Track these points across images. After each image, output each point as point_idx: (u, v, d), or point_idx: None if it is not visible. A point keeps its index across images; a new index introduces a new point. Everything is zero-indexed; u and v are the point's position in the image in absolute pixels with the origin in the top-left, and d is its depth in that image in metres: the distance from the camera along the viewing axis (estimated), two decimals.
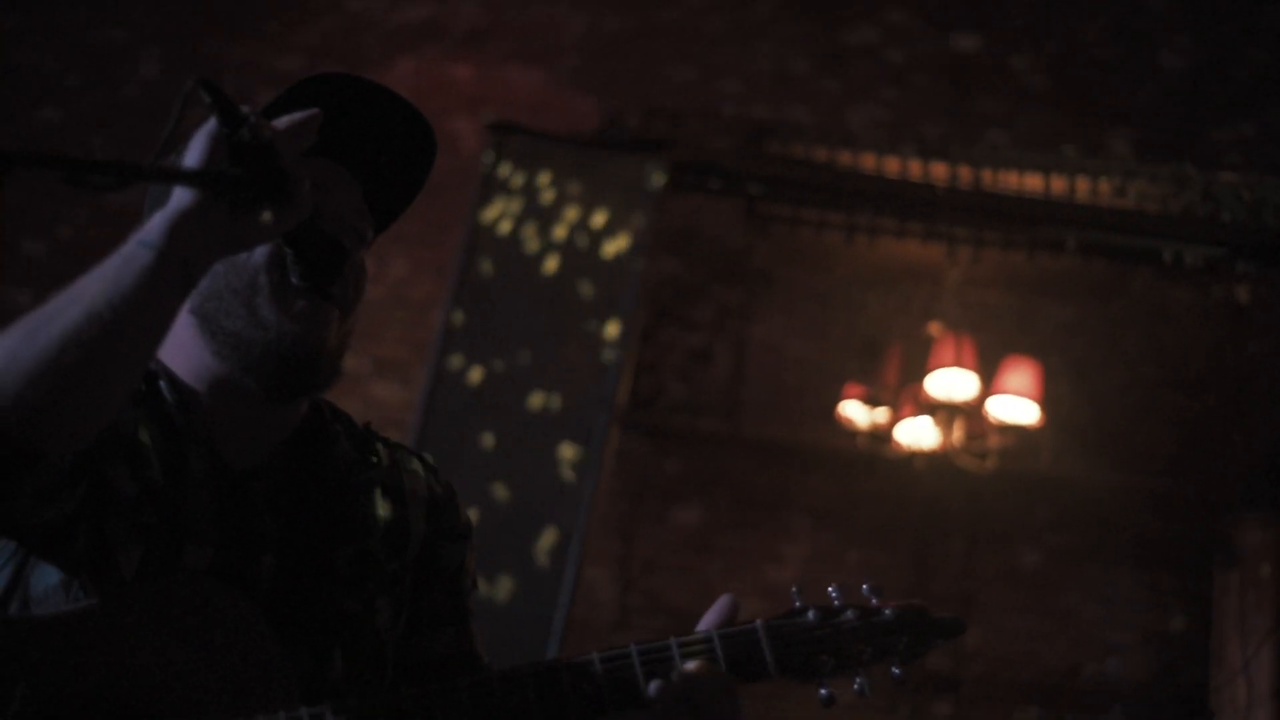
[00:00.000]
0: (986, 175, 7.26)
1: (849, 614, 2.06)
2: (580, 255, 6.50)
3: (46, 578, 1.95)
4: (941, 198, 7.22)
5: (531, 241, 6.53)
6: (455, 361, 6.33)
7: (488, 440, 6.16)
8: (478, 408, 6.23)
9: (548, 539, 5.97)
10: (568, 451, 6.14)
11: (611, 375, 6.28)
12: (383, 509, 2.20)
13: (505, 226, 6.56)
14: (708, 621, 2.05)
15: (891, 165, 7.27)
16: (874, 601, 2.07)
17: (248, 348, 2.05)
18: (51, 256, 7.63)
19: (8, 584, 1.97)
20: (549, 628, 5.76)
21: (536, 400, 6.24)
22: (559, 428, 6.19)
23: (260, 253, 2.04)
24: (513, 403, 6.24)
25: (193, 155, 1.77)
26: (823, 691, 2.03)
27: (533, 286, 6.46)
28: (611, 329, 6.37)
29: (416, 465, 2.30)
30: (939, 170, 7.28)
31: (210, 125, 1.77)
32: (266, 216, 1.80)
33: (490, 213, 6.59)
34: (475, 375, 6.30)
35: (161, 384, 2.08)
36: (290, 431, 2.17)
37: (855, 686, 2.04)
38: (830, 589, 2.09)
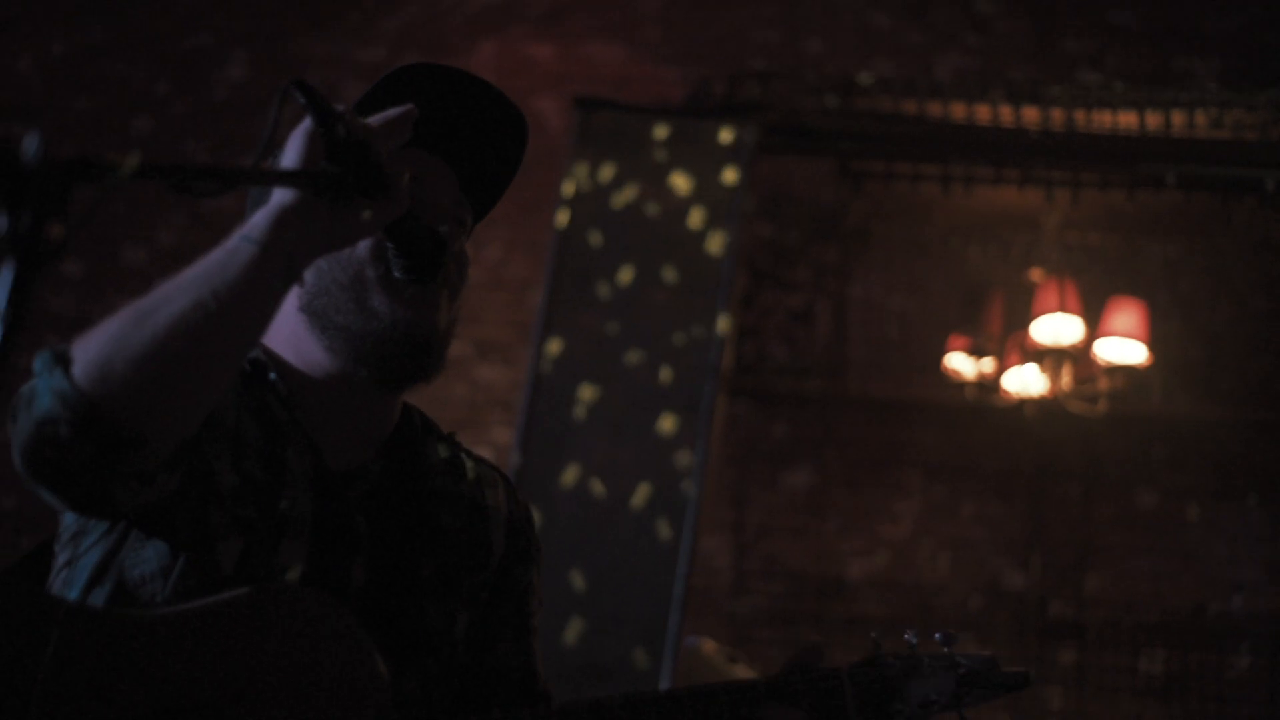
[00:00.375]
0: (1079, 116, 7.16)
1: (926, 663, 2.13)
2: (675, 224, 6.50)
3: (143, 563, 1.98)
4: (1035, 142, 7.14)
5: (624, 215, 6.54)
6: (556, 339, 6.35)
7: (595, 415, 6.18)
8: (583, 384, 6.25)
9: (660, 510, 5.99)
10: (675, 421, 6.14)
11: (715, 342, 6.27)
12: (466, 523, 2.24)
13: (597, 202, 6.57)
14: (793, 663, 2.12)
15: (982, 113, 7.19)
16: (948, 651, 2.14)
17: (360, 339, 2.08)
18: (152, 262, 7.73)
19: (98, 565, 2.00)
20: (669, 598, 5.77)
21: (641, 373, 6.25)
22: (665, 398, 6.20)
23: (363, 247, 2.07)
24: (617, 377, 6.25)
25: (291, 155, 1.80)
26: None
27: (628, 259, 6.46)
28: (711, 296, 6.36)
29: (499, 482, 2.34)
30: (1031, 114, 7.19)
31: (306, 125, 1.80)
32: (366, 213, 1.82)
33: (581, 189, 6.59)
34: (577, 352, 6.32)
35: (271, 375, 2.11)
36: (387, 435, 2.20)
37: None
38: (907, 635, 2.15)
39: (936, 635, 2.14)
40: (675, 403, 6.17)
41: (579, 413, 6.16)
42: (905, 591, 7.69)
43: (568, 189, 6.59)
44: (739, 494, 7.88)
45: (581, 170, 6.61)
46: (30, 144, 1.33)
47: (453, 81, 2.17)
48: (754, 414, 7.98)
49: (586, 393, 6.23)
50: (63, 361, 1.77)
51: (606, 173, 6.61)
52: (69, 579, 2.01)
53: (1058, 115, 7.20)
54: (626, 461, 6.06)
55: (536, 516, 2.42)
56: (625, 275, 6.43)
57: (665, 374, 6.24)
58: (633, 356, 6.28)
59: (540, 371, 6.29)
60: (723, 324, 6.29)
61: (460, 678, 2.21)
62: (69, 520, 2.05)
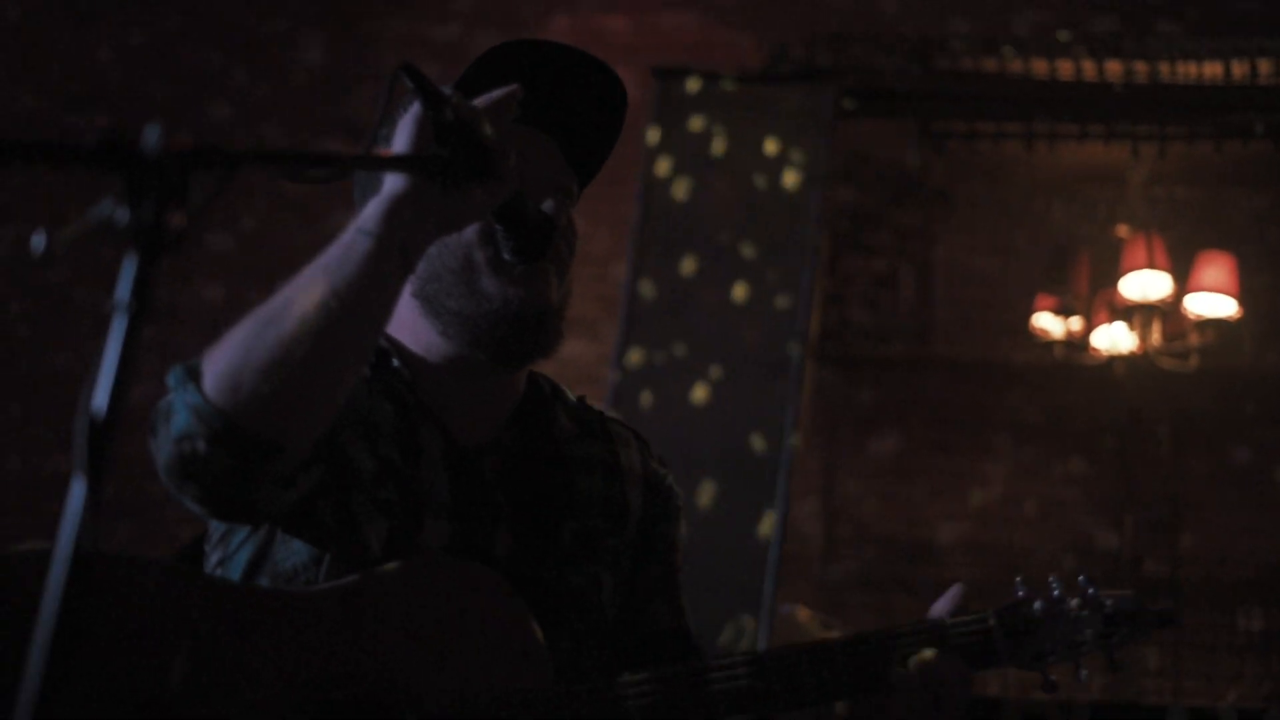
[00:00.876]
0: (1163, 68, 7.06)
1: (1072, 604, 2.12)
2: (756, 192, 6.49)
3: (294, 554, 2.02)
4: (1119, 96, 7.06)
5: (705, 183, 6.53)
6: (644, 312, 6.36)
7: (682, 388, 6.19)
8: (671, 359, 6.25)
9: (751, 477, 5.99)
10: (764, 389, 6.14)
11: (801, 308, 6.26)
12: (602, 485, 2.25)
13: (678, 171, 6.56)
14: (939, 609, 2.12)
15: (1064, 68, 7.12)
16: (1092, 592, 2.13)
17: (474, 322, 2.10)
18: (239, 249, 7.80)
19: (251, 561, 2.04)
20: (763, 567, 5.78)
21: (728, 343, 6.25)
22: (753, 367, 6.20)
23: (470, 231, 2.09)
24: (703, 348, 6.26)
25: (400, 140, 1.82)
26: (1051, 678, 2.11)
27: (711, 229, 6.46)
28: (795, 263, 6.35)
29: (631, 440, 2.35)
30: (1113, 68, 7.11)
31: (415, 109, 1.81)
32: (476, 194, 1.83)
33: (661, 159, 6.59)
34: (664, 326, 6.32)
35: (394, 361, 2.14)
36: (513, 406, 2.22)
37: (1081, 676, 2.13)
38: (1050, 579, 2.15)
39: (1080, 578, 2.14)
40: (763, 370, 6.17)
41: (666, 385, 6.17)
42: (996, 554, 7.65)
43: (647, 160, 6.59)
44: (827, 460, 7.87)
45: (661, 141, 6.61)
46: (151, 135, 1.33)
47: (544, 53, 2.20)
48: (840, 380, 7.96)
49: (673, 365, 6.24)
50: (194, 376, 1.81)
51: (686, 142, 6.60)
52: (224, 576, 2.05)
53: (1141, 68, 7.11)
54: (715, 431, 6.06)
55: None
56: (707, 245, 6.42)
57: (752, 342, 6.24)
58: (718, 326, 6.29)
59: (627, 346, 6.30)
60: (806, 290, 6.27)
61: (614, 642, 2.23)
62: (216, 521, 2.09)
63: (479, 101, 1.85)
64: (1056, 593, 2.12)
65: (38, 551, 1.88)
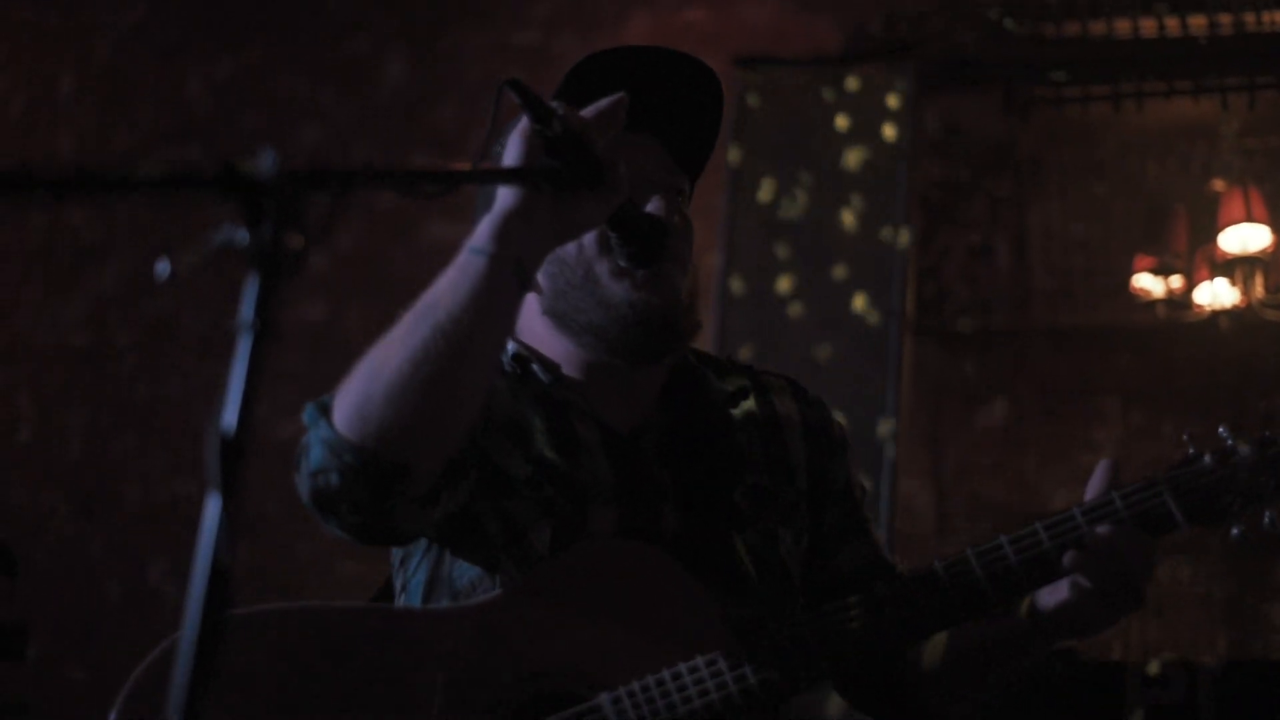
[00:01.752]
0: (1249, 18, 6.97)
1: (1244, 450, 2.08)
2: (842, 173, 6.48)
3: (468, 571, 2.08)
4: (1205, 49, 6.97)
5: (790, 169, 6.54)
6: (736, 302, 6.38)
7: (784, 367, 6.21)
8: (767, 344, 6.27)
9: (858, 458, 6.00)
10: (863, 369, 6.14)
11: (897, 285, 6.26)
12: (762, 440, 2.26)
13: (762, 158, 6.58)
14: (1094, 489, 2.08)
15: (1147, 26, 7.04)
16: (1268, 434, 2.09)
17: (606, 331, 2.14)
18: (336, 267, 7.90)
19: (428, 582, 2.10)
20: None
21: (824, 327, 6.26)
22: (851, 348, 6.20)
23: (589, 244, 2.12)
24: (799, 334, 6.26)
25: (511, 155, 1.85)
26: (1235, 531, 2.07)
27: (798, 213, 6.47)
28: (886, 240, 6.34)
29: (785, 387, 2.38)
30: (1197, 22, 7.02)
31: (523, 124, 1.85)
32: (589, 203, 1.87)
33: (746, 147, 6.60)
34: (758, 312, 6.34)
35: (534, 367, 2.18)
36: (661, 385, 2.26)
37: (1266, 521, 2.07)
38: (1221, 429, 2.12)
39: (1252, 427, 2.09)
40: (861, 351, 6.17)
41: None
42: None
43: (734, 153, 6.60)
44: (933, 435, 7.84)
45: (745, 129, 6.62)
46: (266, 159, 1.39)
47: (636, 57, 2.22)
48: (941, 355, 7.92)
49: (769, 350, 6.25)
50: (325, 412, 1.88)
51: (769, 129, 6.61)
52: (407, 601, 2.11)
53: (1225, 19, 7.02)
54: None
55: None
56: (796, 230, 6.43)
57: (849, 324, 6.24)
58: (813, 310, 6.29)
59: (724, 332, 6.33)
60: (901, 266, 6.26)
61: (811, 594, 2.24)
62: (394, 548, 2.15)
63: (586, 112, 1.88)
64: (1230, 442, 2.08)
65: (273, 610, 1.99)
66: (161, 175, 1.43)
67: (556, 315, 2.16)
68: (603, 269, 2.12)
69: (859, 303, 6.27)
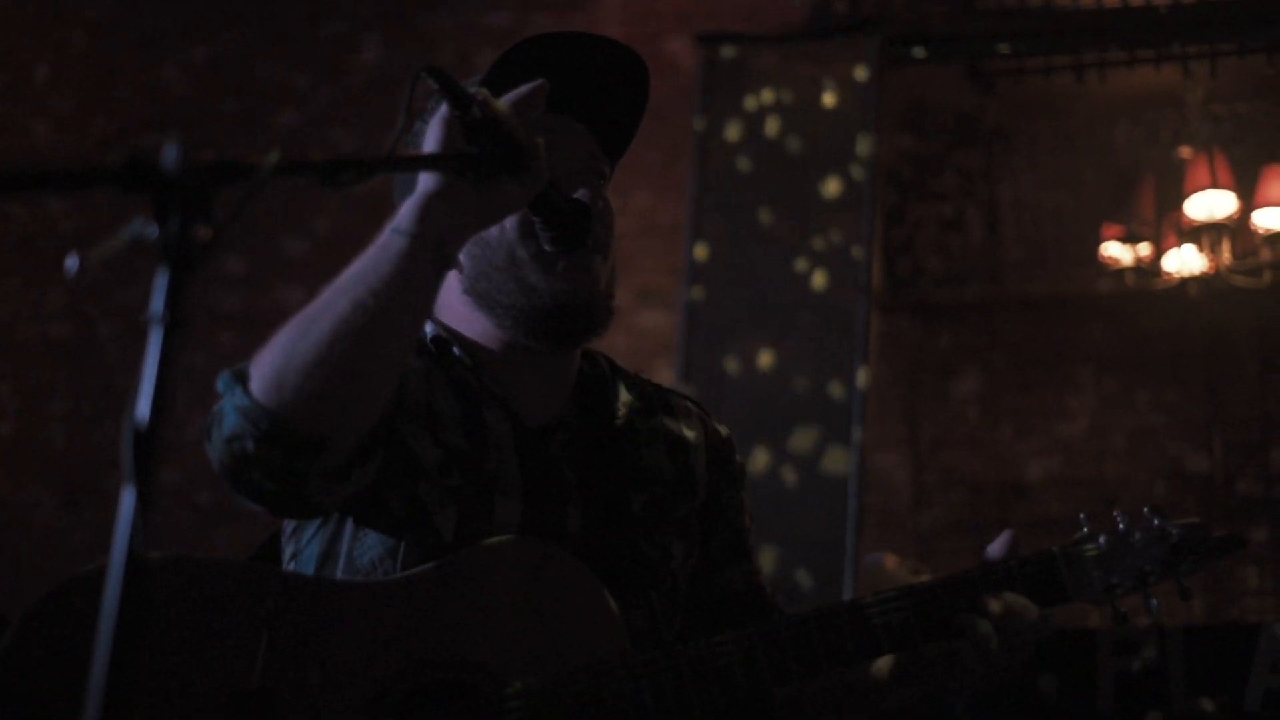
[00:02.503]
0: None
1: (1137, 537, 2.14)
2: (811, 147, 6.50)
3: (371, 549, 2.09)
4: (1165, 17, 6.99)
5: (759, 144, 6.56)
6: (705, 282, 6.41)
7: (750, 352, 6.23)
8: (736, 320, 6.30)
9: (826, 434, 6.03)
10: (830, 346, 6.17)
11: (863, 261, 6.28)
12: (667, 456, 2.30)
13: (732, 135, 6.60)
14: (993, 554, 2.14)
15: None
16: (1157, 523, 2.15)
17: (526, 315, 2.16)
18: (314, 253, 7.93)
19: (321, 554, 2.12)
20: (843, 521, 5.82)
21: (792, 303, 6.28)
22: (818, 324, 6.22)
23: (511, 227, 2.14)
24: (768, 309, 6.29)
25: (431, 141, 1.87)
26: (1118, 611, 2.14)
27: (769, 188, 6.49)
28: (854, 215, 6.37)
29: (694, 410, 2.40)
30: None
31: (443, 110, 1.86)
32: (509, 188, 1.88)
33: (714, 124, 6.63)
34: (727, 292, 6.37)
35: (455, 350, 2.21)
36: (572, 384, 2.28)
37: (1151, 606, 2.14)
38: (1116, 514, 2.17)
39: (1145, 509, 2.15)
40: (829, 327, 6.19)
41: (734, 351, 6.22)
42: (1088, 487, 7.64)
43: (700, 125, 6.63)
44: (910, 408, 7.89)
45: (713, 106, 6.65)
46: (170, 153, 1.39)
47: (563, 43, 2.22)
48: (916, 327, 7.97)
49: (739, 327, 6.28)
50: (242, 379, 1.88)
51: (738, 105, 6.63)
52: (297, 570, 2.14)
53: None
54: (787, 391, 6.10)
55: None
56: (766, 206, 6.46)
57: (815, 300, 6.27)
58: (781, 285, 6.32)
59: (692, 314, 6.36)
60: (867, 242, 6.29)
61: (689, 610, 2.28)
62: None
63: (506, 98, 1.89)
64: (1122, 526, 2.14)
65: (160, 559, 1.97)
66: (67, 172, 1.44)
67: (477, 295, 2.18)
68: (524, 253, 2.13)
69: (823, 278, 6.29)
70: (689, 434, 2.35)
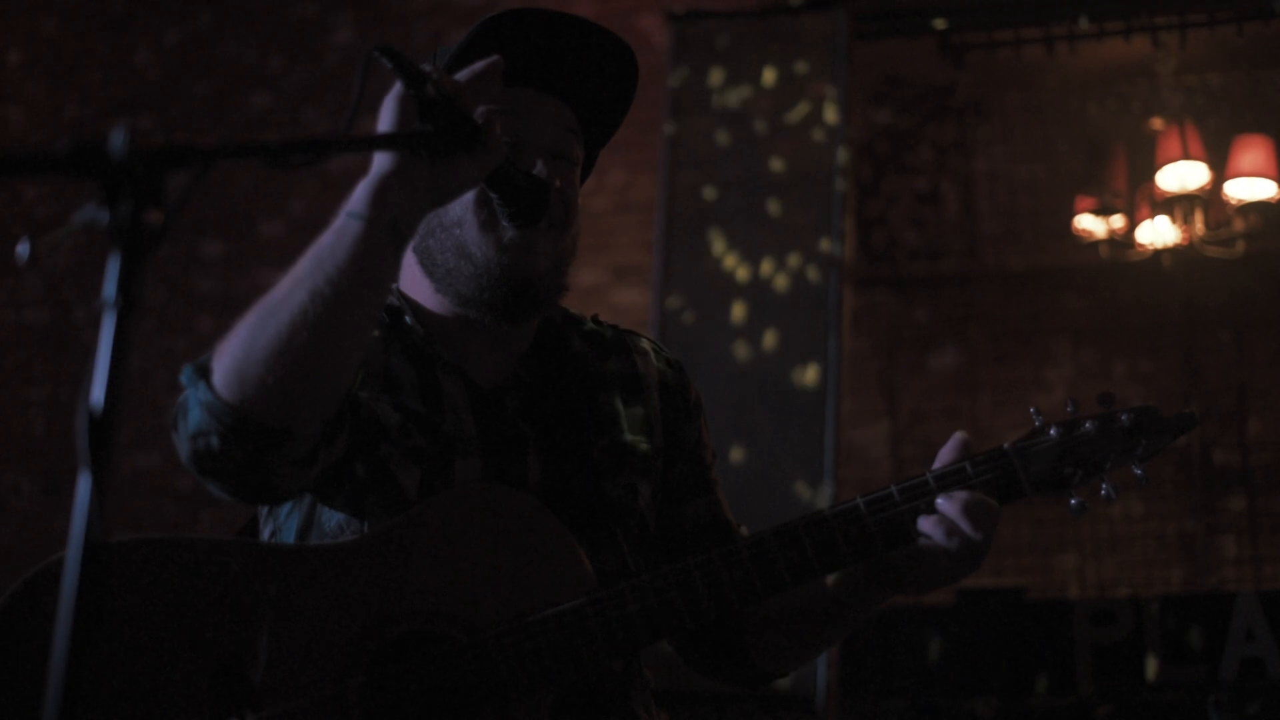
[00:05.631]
0: None
1: (1088, 425, 2.13)
2: (781, 124, 6.50)
3: (337, 513, 2.10)
4: None
5: (731, 121, 6.55)
6: (680, 254, 6.41)
7: (725, 323, 6.24)
8: (709, 297, 6.30)
9: (800, 412, 6.04)
10: (804, 322, 6.17)
11: (836, 236, 6.28)
12: (624, 397, 2.31)
13: (702, 113, 6.59)
14: (945, 458, 2.13)
15: None
16: (1108, 410, 2.14)
17: (461, 283, 2.16)
18: (290, 234, 7.90)
19: (301, 523, 2.13)
20: (821, 498, 5.84)
21: (766, 278, 6.28)
22: (792, 300, 6.22)
23: (466, 201, 2.14)
24: (741, 285, 6.29)
25: (385, 120, 1.85)
26: (1073, 501, 2.13)
27: (740, 164, 6.49)
28: (827, 191, 6.37)
29: (647, 347, 2.40)
30: None
31: (397, 89, 1.85)
32: (465, 165, 1.88)
33: (684, 102, 6.62)
34: (701, 266, 6.37)
35: (407, 318, 2.21)
36: (527, 344, 2.28)
37: (1102, 493, 2.13)
38: (1068, 405, 2.16)
39: (1098, 397, 2.16)
40: (802, 303, 6.19)
41: (708, 322, 6.22)
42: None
43: (671, 104, 6.62)
44: (888, 382, 7.90)
45: (684, 83, 6.64)
46: (117, 138, 1.39)
47: (549, 21, 2.20)
48: (893, 301, 7.98)
49: (711, 304, 6.28)
50: (204, 373, 1.89)
51: (707, 81, 6.62)
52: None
53: None
54: (759, 366, 6.11)
55: None
56: (738, 182, 6.45)
57: (788, 276, 6.26)
58: (755, 261, 6.32)
59: (666, 288, 6.36)
60: (839, 216, 6.28)
61: (657, 545, 2.30)
62: None
63: (460, 75, 1.89)
64: (1073, 416, 2.14)
65: (125, 543, 2.00)
66: (16, 158, 1.43)
67: (422, 252, 2.19)
68: (474, 220, 2.13)
69: (798, 254, 6.29)
70: (644, 371, 2.36)
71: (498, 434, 2.18)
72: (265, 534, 2.19)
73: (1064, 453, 2.12)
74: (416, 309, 2.23)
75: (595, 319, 2.40)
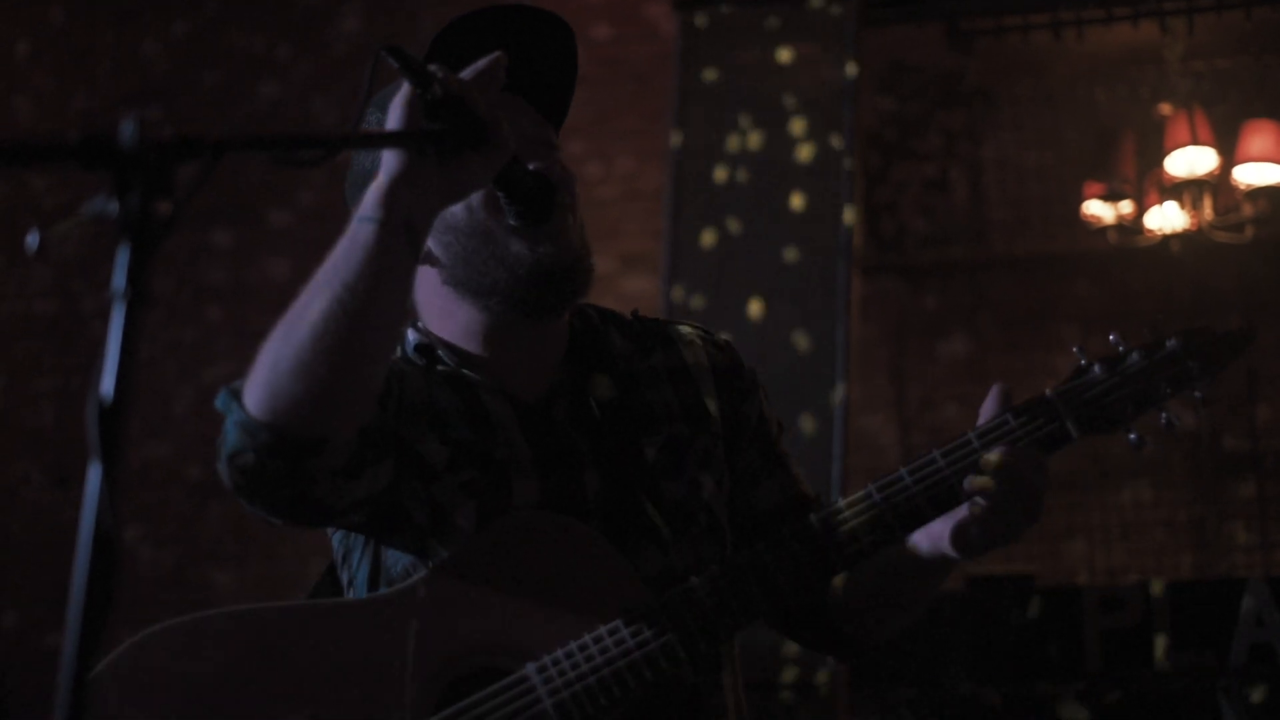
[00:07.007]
0: None
1: (1134, 357, 2.08)
2: (787, 111, 6.49)
3: (402, 559, 2.11)
4: None
5: (739, 108, 6.55)
6: (688, 242, 6.41)
7: (733, 310, 6.24)
8: (718, 285, 6.30)
9: (807, 399, 6.04)
10: (811, 309, 6.17)
11: (844, 224, 6.28)
12: (673, 390, 2.28)
13: (710, 101, 6.58)
14: (987, 412, 2.09)
15: None
16: (1154, 338, 2.09)
17: (510, 289, 2.15)
18: (299, 224, 7.91)
19: (371, 570, 2.14)
20: (828, 484, 5.84)
21: (773, 265, 6.28)
22: (799, 287, 6.22)
23: (478, 207, 2.13)
24: (747, 272, 6.29)
25: (392, 120, 1.85)
26: (1131, 437, 2.07)
27: (748, 151, 6.48)
28: (835, 178, 6.36)
29: (692, 335, 2.37)
30: None
31: (404, 89, 1.85)
32: (474, 163, 1.88)
33: (691, 89, 6.61)
34: (709, 254, 6.37)
35: (440, 353, 2.21)
36: (565, 348, 2.27)
37: (1163, 422, 2.07)
38: (1111, 337, 2.11)
39: (1146, 329, 2.09)
40: (810, 290, 6.19)
41: (716, 312, 6.22)
42: (1077, 445, 7.64)
43: (678, 91, 6.62)
44: (897, 370, 7.90)
45: (690, 70, 6.63)
46: (127, 128, 1.39)
47: (495, 19, 2.22)
48: (902, 289, 7.98)
49: (721, 292, 6.28)
50: (237, 395, 1.90)
51: (714, 69, 6.62)
52: (354, 595, 2.17)
53: None
54: (770, 357, 6.11)
55: None
56: (745, 170, 6.44)
57: (795, 262, 6.26)
58: (762, 250, 6.32)
59: (674, 275, 6.37)
60: (849, 215, 6.28)
61: (736, 531, 2.27)
62: (335, 544, 2.21)
63: (465, 73, 1.88)
64: (1120, 349, 2.08)
65: (170, 626, 2.02)
66: (27, 148, 1.43)
67: (457, 283, 2.17)
68: (498, 228, 2.13)
69: (804, 243, 6.28)
70: (693, 361, 2.32)
71: (552, 450, 2.17)
72: (344, 585, 2.21)
73: (1110, 388, 2.06)
74: (448, 345, 2.23)
75: (636, 314, 2.39)
